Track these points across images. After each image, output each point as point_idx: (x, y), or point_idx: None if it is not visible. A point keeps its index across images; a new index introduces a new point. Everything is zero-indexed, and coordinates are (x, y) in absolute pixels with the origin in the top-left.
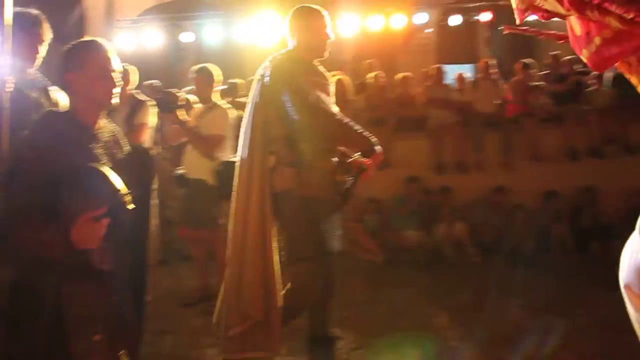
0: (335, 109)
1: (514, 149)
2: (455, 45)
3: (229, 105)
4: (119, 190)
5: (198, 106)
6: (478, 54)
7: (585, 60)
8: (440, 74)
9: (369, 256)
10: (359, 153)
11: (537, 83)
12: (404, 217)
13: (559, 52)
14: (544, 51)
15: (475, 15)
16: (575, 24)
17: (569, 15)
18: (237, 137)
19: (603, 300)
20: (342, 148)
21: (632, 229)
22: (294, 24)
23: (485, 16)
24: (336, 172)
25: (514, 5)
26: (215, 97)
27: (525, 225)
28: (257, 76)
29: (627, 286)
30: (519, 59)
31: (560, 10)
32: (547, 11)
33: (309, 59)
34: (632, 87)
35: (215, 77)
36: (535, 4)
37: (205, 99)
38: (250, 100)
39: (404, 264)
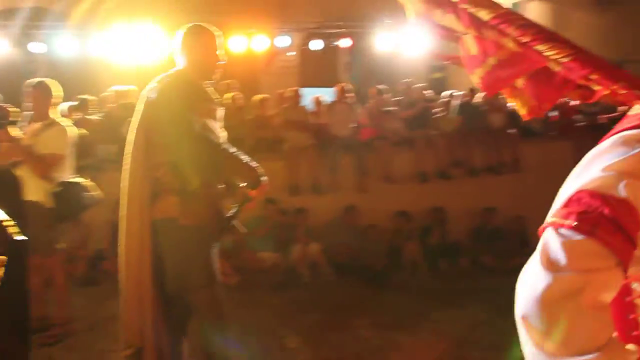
0: (223, 135)
1: (367, 171)
2: (317, 69)
3: (69, 123)
4: None
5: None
6: (338, 78)
7: (477, 81)
8: (297, 96)
9: (222, 278)
10: (245, 183)
11: (390, 108)
12: (259, 239)
13: (411, 79)
14: (399, 78)
15: (335, 41)
16: (471, 43)
17: (466, 34)
18: (78, 156)
19: (448, 316)
20: (228, 178)
21: (478, 246)
22: (184, 43)
23: (345, 42)
24: (221, 201)
25: (411, 20)
26: (54, 114)
27: (377, 244)
28: (142, 97)
29: (524, 318)
30: (376, 84)
31: (459, 27)
32: (444, 28)
33: (199, 81)
34: (476, 115)
35: (53, 93)
36: (434, 20)
37: (41, 115)
38: (134, 122)
39: (258, 286)
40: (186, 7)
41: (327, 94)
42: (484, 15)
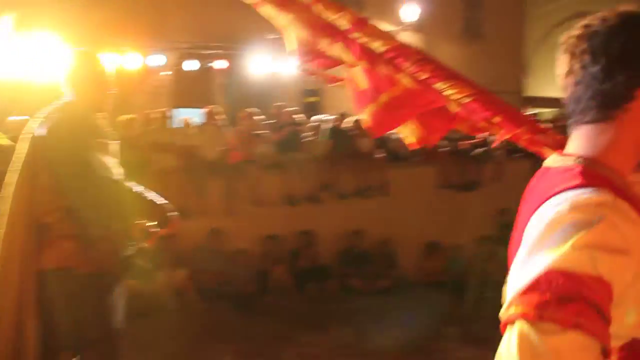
0: (120, 172)
1: (236, 194)
2: (192, 90)
3: None
4: None
5: None
6: (213, 99)
7: (366, 117)
8: (165, 117)
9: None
10: (152, 223)
11: (261, 131)
12: None
13: (284, 102)
14: (274, 101)
15: (210, 62)
16: (360, 77)
17: (355, 66)
18: None
19: (314, 339)
20: (132, 219)
21: (346, 268)
22: (71, 73)
23: (221, 64)
24: (123, 243)
25: (291, 48)
26: None
27: (246, 269)
28: (26, 134)
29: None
30: (251, 107)
31: (348, 59)
32: (330, 58)
33: (90, 114)
34: (346, 139)
35: None
36: (318, 48)
37: None
38: (15, 162)
39: None
40: (54, 21)
41: (200, 115)
42: (378, 47)
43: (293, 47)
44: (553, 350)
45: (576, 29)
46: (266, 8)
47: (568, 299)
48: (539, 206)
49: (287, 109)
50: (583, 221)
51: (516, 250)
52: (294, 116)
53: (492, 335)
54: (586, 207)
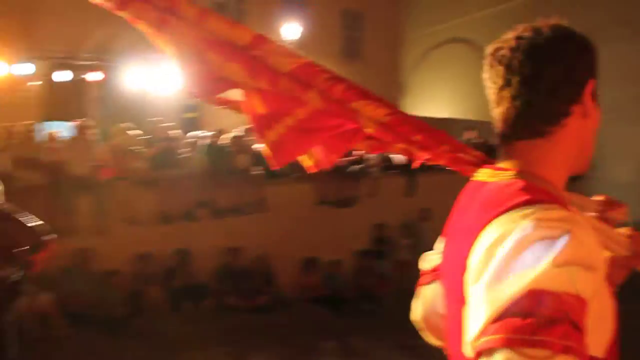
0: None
1: (107, 212)
2: (64, 102)
3: None
4: None
5: None
6: (86, 112)
7: (266, 144)
8: (30, 131)
9: None
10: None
11: (135, 147)
12: None
13: (160, 118)
14: (151, 115)
15: (83, 74)
16: (259, 99)
17: (253, 87)
18: None
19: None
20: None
21: (223, 286)
22: None
23: (96, 75)
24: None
25: (176, 67)
26: None
27: (117, 290)
28: None
29: None
30: (125, 121)
31: (245, 79)
32: (222, 79)
33: None
34: (223, 156)
35: None
36: (209, 68)
37: None
38: None
39: None
40: None
41: (70, 129)
42: (283, 65)
43: (178, 67)
44: None
45: (507, 41)
46: (142, 26)
47: (553, 320)
48: (485, 224)
49: (162, 125)
50: (553, 238)
51: (452, 266)
52: (170, 132)
53: (369, 348)
54: (550, 222)
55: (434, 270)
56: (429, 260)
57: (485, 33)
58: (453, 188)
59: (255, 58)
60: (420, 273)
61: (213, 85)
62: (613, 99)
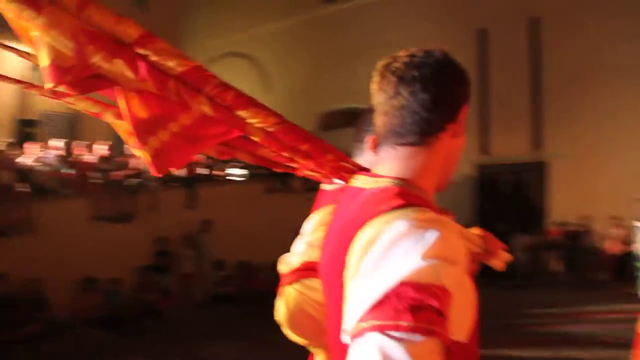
0: None
1: None
2: None
3: None
4: None
5: None
6: None
7: (148, 150)
8: None
9: None
10: None
11: None
12: None
13: None
14: None
15: None
16: (138, 104)
17: (137, 89)
18: None
19: None
20: None
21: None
22: None
23: None
24: None
25: (44, 63)
26: None
27: None
28: None
29: None
30: None
31: (127, 75)
32: (100, 77)
33: None
34: None
35: None
36: (90, 63)
37: None
38: None
39: None
40: None
41: None
42: (172, 67)
43: (45, 62)
44: (410, 355)
45: (401, 57)
46: (9, 6)
47: (419, 308)
48: (362, 225)
49: None
50: (422, 236)
51: (332, 264)
52: None
53: None
54: (420, 222)
55: (295, 270)
56: (288, 262)
57: (264, 49)
58: (234, 199)
59: (141, 57)
60: (280, 275)
61: (89, 82)
62: None
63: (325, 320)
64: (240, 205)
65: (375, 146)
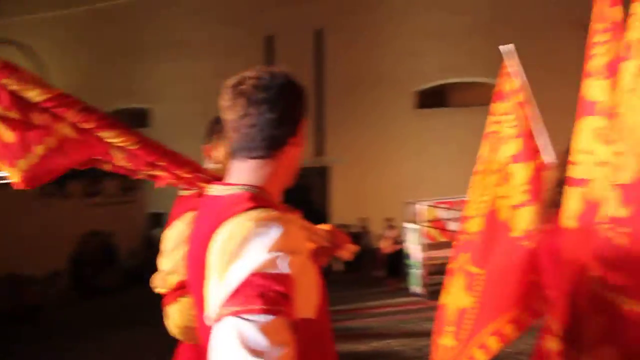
0: None
1: None
2: None
3: None
4: None
5: None
6: None
7: (15, 174)
8: None
9: None
10: None
11: None
12: None
13: None
14: None
15: None
16: (4, 130)
17: (2, 116)
18: None
19: None
20: None
21: None
22: None
23: None
24: None
25: None
26: None
27: None
28: None
29: None
30: None
31: None
32: None
33: None
34: None
35: None
36: None
37: None
38: None
39: None
40: None
41: None
42: (35, 96)
43: None
44: (266, 333)
45: (249, 79)
46: None
47: (267, 293)
48: (218, 227)
49: None
50: (267, 233)
51: (194, 266)
52: None
53: None
54: (266, 221)
55: (174, 291)
56: (164, 280)
57: (41, 38)
58: (2, 204)
59: (2, 87)
60: (161, 294)
61: None
62: None
63: (195, 316)
64: (9, 211)
65: (227, 155)
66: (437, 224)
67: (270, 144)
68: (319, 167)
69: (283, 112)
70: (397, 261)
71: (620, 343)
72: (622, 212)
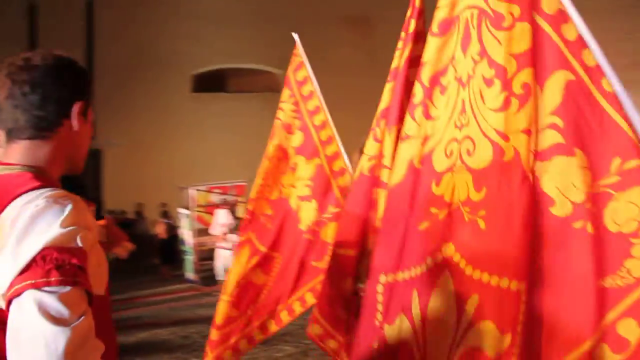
0: None
1: None
2: None
3: None
4: None
5: None
6: None
7: None
8: None
9: None
10: None
11: None
12: None
13: None
14: None
15: None
16: None
17: None
18: None
19: None
20: None
21: None
22: None
23: None
24: None
25: None
26: None
27: None
28: None
29: None
30: None
31: None
32: None
33: None
34: None
35: None
36: None
37: None
38: None
39: None
40: None
41: None
42: None
43: None
44: (65, 302)
45: (17, 60)
46: None
47: (63, 265)
48: (4, 207)
49: None
50: (59, 209)
51: None
52: None
53: None
54: (57, 198)
55: None
56: None
57: None
58: None
59: None
60: None
61: None
62: None
63: None
64: None
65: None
66: (210, 209)
67: (36, 125)
68: (92, 149)
69: (47, 93)
70: (172, 248)
71: (495, 317)
72: (476, 196)
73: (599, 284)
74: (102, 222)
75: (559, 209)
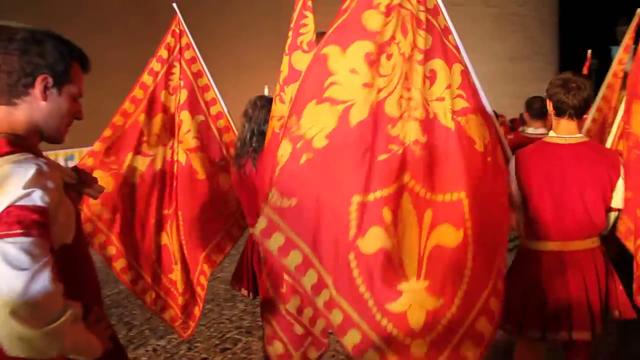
0: None
1: None
2: None
3: None
4: None
5: None
6: None
7: None
8: None
9: None
10: None
11: None
12: None
13: None
14: None
15: None
16: None
17: None
18: None
19: None
20: None
21: None
22: None
23: None
24: None
25: None
26: None
27: None
28: None
29: (16, 315)
30: None
31: None
32: None
33: None
34: None
35: None
36: None
37: None
38: None
39: None
40: None
41: None
42: None
43: None
44: (24, 252)
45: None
46: None
47: (25, 220)
48: None
49: None
50: (23, 172)
51: None
52: None
53: None
54: (21, 162)
55: None
56: None
57: None
58: None
59: None
60: None
61: None
62: None
63: None
64: None
65: None
66: None
67: (8, 93)
68: None
69: (10, 65)
70: None
71: (448, 219)
72: (422, 138)
73: (503, 200)
74: (72, 167)
75: (479, 146)
